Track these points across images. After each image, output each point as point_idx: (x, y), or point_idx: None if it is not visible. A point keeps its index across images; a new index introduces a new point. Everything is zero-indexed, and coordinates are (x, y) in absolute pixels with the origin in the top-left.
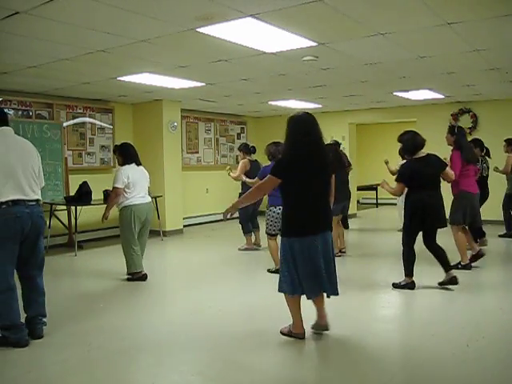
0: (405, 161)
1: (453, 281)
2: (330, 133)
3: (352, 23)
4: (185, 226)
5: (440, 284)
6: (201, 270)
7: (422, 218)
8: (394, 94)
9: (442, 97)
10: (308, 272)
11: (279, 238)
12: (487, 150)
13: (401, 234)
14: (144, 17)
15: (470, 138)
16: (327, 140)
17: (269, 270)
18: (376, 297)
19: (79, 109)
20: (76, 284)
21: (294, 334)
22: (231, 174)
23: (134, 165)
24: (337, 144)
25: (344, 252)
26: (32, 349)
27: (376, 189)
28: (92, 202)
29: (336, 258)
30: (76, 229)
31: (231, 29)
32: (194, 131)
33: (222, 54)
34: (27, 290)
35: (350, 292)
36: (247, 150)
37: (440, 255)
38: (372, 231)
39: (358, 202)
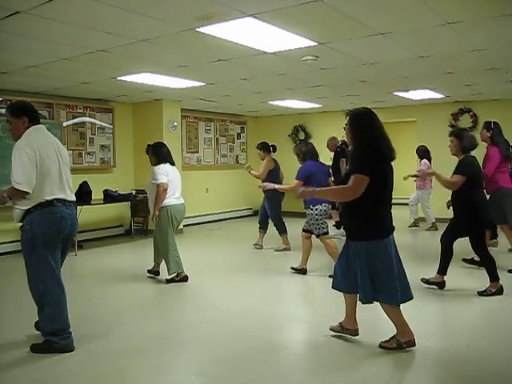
0: (425, 160)
1: (441, 285)
2: (330, 133)
3: (352, 23)
4: (185, 226)
5: (425, 281)
6: (201, 270)
7: (483, 217)
8: (394, 93)
9: (441, 97)
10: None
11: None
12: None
13: (410, 230)
14: (144, 17)
15: None
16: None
17: (293, 268)
18: None
19: (79, 108)
20: (76, 284)
21: (347, 329)
22: (252, 172)
23: (168, 164)
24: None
25: None
26: None
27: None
28: (92, 202)
29: None
30: None
31: (231, 29)
32: (194, 131)
33: (221, 54)
34: None
35: None
36: (268, 148)
37: (449, 257)
38: None
39: None
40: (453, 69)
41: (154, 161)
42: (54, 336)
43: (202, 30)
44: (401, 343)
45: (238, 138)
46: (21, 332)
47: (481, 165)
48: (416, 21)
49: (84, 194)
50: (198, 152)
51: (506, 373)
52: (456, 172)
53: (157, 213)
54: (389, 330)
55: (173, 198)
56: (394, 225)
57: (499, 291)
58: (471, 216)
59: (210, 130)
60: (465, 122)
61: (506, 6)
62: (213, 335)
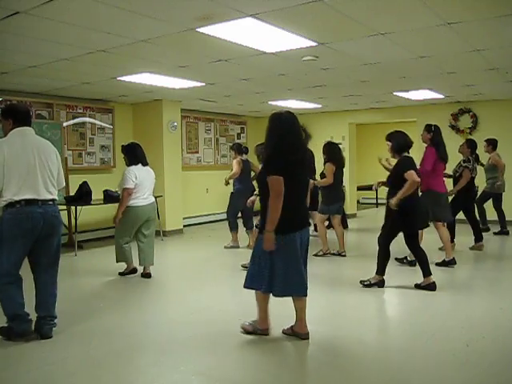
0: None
1: (431, 287)
2: (330, 133)
3: (352, 23)
4: (185, 226)
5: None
6: (201, 270)
7: (414, 219)
8: (394, 93)
9: (442, 97)
10: (295, 267)
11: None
12: (477, 155)
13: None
14: (144, 17)
15: (468, 138)
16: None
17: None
18: (374, 297)
19: (79, 109)
20: (76, 284)
21: (261, 330)
22: (228, 178)
23: (140, 165)
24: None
25: (344, 255)
26: (32, 348)
27: (376, 189)
28: (92, 202)
29: (334, 258)
30: (76, 229)
31: (231, 29)
32: (194, 131)
33: (222, 54)
34: (37, 290)
35: (347, 292)
36: (240, 149)
37: (423, 258)
38: (372, 231)
39: (358, 202)
40: (453, 69)
41: (127, 161)
42: (13, 321)
43: (202, 30)
44: (257, 328)
45: (238, 139)
46: None
47: (418, 166)
48: (416, 21)
49: (84, 195)
50: (197, 152)
51: (507, 373)
52: (406, 170)
53: (120, 215)
54: (382, 328)
55: (140, 199)
56: (303, 224)
57: (431, 287)
58: (408, 215)
59: (210, 130)
60: (465, 122)
61: (507, 6)
62: (213, 335)
